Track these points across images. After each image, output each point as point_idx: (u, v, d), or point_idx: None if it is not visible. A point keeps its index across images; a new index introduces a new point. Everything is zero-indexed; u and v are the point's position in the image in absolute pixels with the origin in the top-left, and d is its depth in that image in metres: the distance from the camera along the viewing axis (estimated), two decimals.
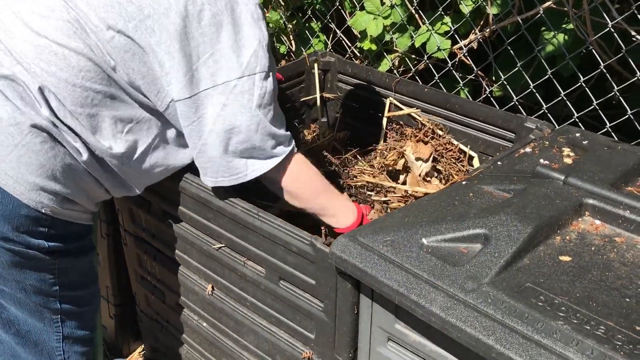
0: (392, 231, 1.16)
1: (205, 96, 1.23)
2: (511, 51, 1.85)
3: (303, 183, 1.40)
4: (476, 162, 1.90)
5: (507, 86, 1.93)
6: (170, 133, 1.36)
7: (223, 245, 1.48)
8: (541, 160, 1.46)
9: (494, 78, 2.11)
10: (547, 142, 1.57)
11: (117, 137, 1.28)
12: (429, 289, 1.02)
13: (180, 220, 1.57)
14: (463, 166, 1.94)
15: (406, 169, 1.99)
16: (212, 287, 1.58)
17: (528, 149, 1.55)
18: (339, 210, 1.44)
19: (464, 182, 1.39)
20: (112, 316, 2.05)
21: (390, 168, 1.93)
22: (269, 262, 1.37)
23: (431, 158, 1.86)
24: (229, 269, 1.49)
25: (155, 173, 1.40)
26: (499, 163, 1.49)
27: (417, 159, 1.86)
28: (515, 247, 1.07)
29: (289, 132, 1.34)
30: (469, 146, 1.91)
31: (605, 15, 1.65)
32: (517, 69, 1.86)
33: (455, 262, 1.07)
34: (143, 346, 2.12)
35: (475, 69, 1.97)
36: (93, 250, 1.47)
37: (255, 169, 1.30)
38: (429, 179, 1.88)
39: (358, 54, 2.25)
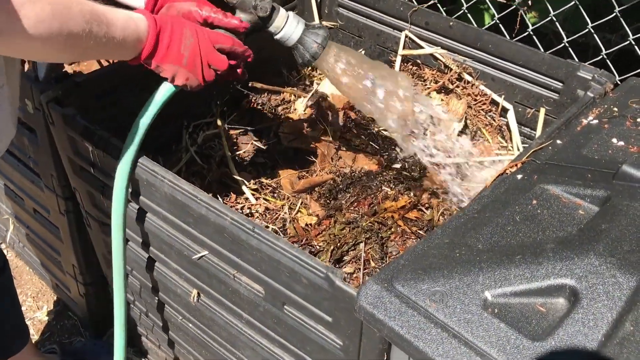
0: (441, 276, 0.85)
1: None
2: None
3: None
4: (511, 116, 1.56)
5: (553, 18, 1.55)
6: None
7: (205, 253, 1.17)
8: (614, 141, 1.14)
9: (529, 2, 1.72)
10: (614, 109, 1.24)
11: None
12: None
13: (153, 215, 1.24)
14: (494, 120, 1.61)
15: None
16: (198, 294, 1.29)
17: (592, 119, 1.22)
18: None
19: (519, 176, 1.07)
20: (83, 295, 1.78)
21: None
22: (268, 284, 1.07)
23: (464, 117, 1.51)
24: (217, 280, 1.20)
25: None
26: (558, 142, 1.16)
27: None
28: (616, 312, 0.78)
29: None
30: (502, 96, 1.56)
31: None
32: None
33: (533, 333, 0.78)
34: None
35: None
36: None
37: None
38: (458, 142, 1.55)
39: None
